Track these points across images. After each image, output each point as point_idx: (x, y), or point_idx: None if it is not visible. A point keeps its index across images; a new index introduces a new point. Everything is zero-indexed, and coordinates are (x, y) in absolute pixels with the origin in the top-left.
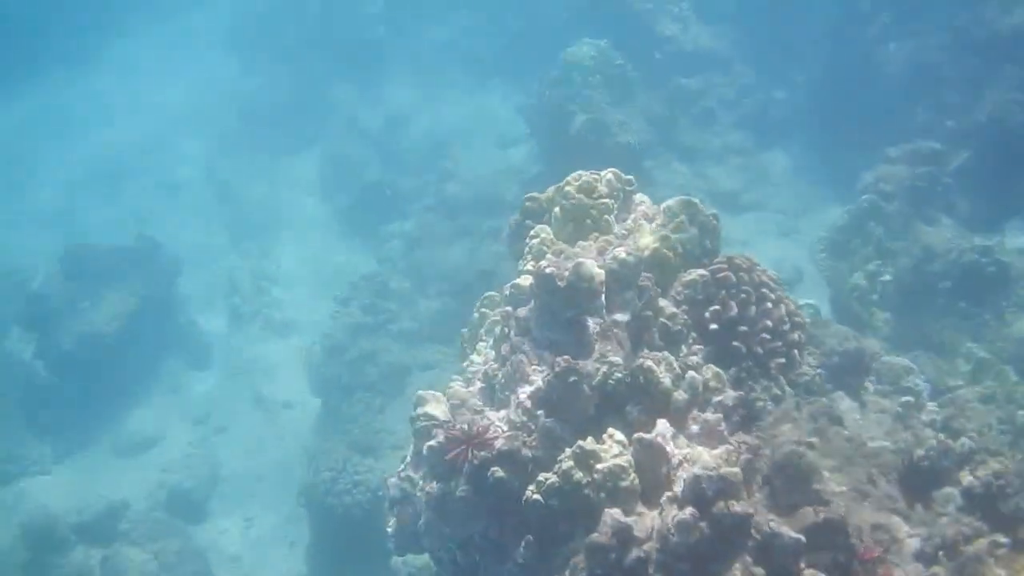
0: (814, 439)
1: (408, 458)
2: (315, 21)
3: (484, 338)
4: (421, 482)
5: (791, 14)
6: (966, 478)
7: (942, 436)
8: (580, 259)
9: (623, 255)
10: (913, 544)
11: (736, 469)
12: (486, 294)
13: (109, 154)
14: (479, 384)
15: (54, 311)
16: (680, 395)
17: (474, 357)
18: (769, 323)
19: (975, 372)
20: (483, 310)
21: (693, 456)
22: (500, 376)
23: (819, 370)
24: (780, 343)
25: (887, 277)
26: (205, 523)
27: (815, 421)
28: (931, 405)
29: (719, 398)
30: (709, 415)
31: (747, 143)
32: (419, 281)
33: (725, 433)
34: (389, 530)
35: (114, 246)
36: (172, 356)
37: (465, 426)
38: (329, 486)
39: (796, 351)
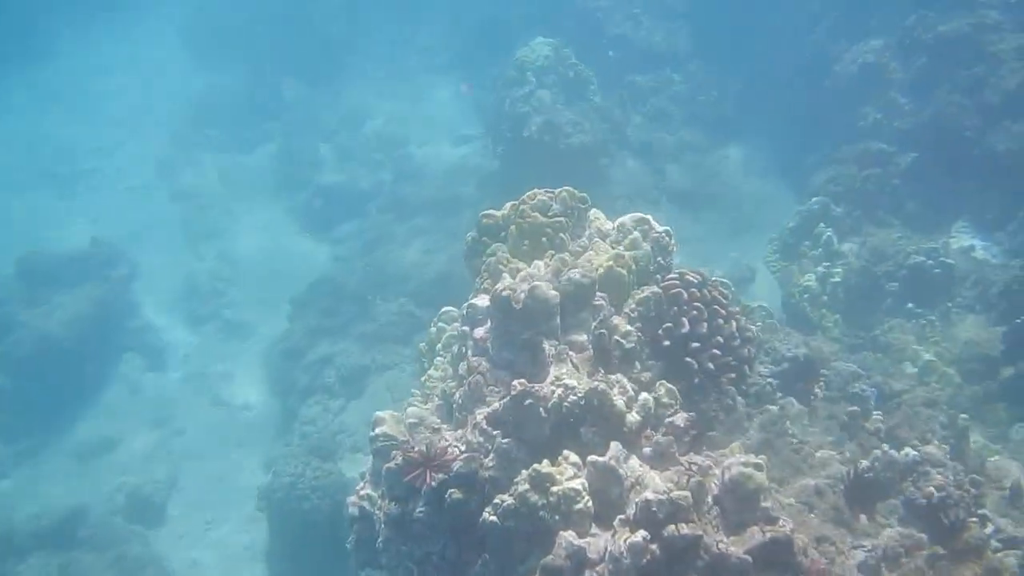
0: (761, 458)
1: (367, 476)
2: (271, 16)
3: (442, 353)
4: (380, 501)
5: (743, 12)
6: (909, 489)
7: (886, 447)
8: (535, 282)
9: (577, 276)
10: (857, 556)
11: (686, 492)
12: (443, 309)
13: (57, 151)
14: (437, 401)
15: (9, 316)
16: (633, 417)
17: (432, 372)
18: (720, 339)
19: (921, 375)
20: (440, 324)
21: (645, 479)
22: (458, 396)
23: (770, 379)
24: (731, 358)
25: (836, 279)
26: (164, 527)
27: (765, 431)
28: (877, 413)
29: (671, 419)
30: (661, 437)
31: (701, 140)
32: (376, 282)
33: (676, 455)
34: (349, 546)
35: (69, 251)
36: (129, 359)
37: (423, 447)
38: (288, 491)
39: (747, 365)
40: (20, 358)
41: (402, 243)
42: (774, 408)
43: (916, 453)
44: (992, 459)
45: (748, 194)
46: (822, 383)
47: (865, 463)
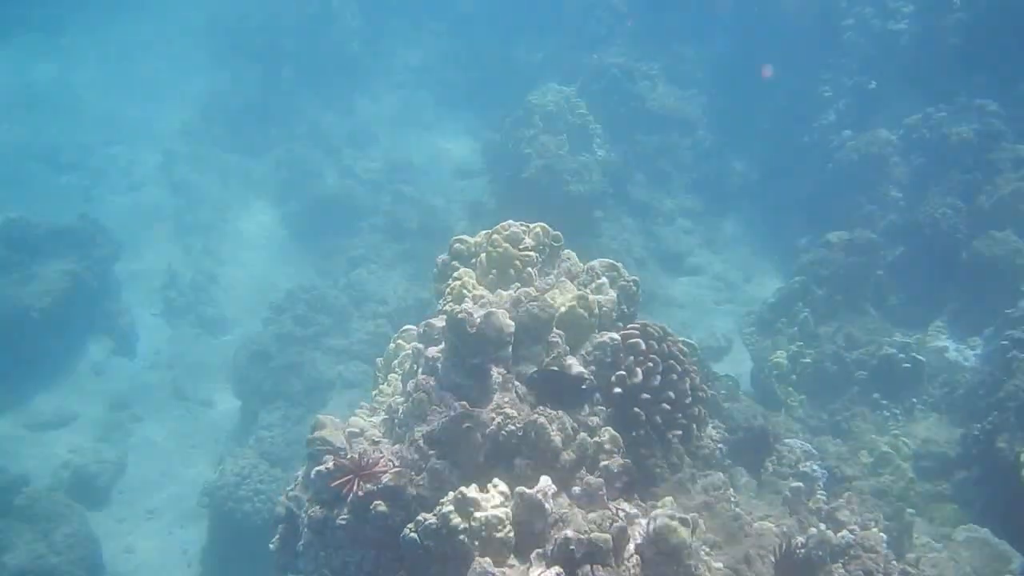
0: (692, 516)
1: (300, 478)
2: (292, 28)
3: (396, 369)
4: (307, 504)
5: (757, 88)
6: (838, 571)
7: (823, 526)
8: (492, 309)
9: (536, 310)
10: None
11: (606, 535)
12: (404, 327)
13: (66, 126)
14: (383, 415)
15: None
16: (568, 455)
17: (384, 387)
18: (672, 394)
19: (875, 464)
20: (399, 341)
21: (569, 517)
22: (402, 411)
23: (720, 445)
24: (680, 415)
25: (807, 360)
26: (105, 510)
27: (707, 494)
28: (821, 493)
29: (606, 462)
30: (591, 479)
31: (698, 207)
32: (356, 299)
33: (605, 499)
34: (272, 547)
35: (55, 224)
36: (100, 339)
37: (356, 456)
38: (231, 490)
39: (695, 425)
40: None
41: (387, 265)
42: (720, 474)
43: (852, 536)
44: (929, 555)
45: (736, 266)
46: (774, 457)
47: (799, 539)
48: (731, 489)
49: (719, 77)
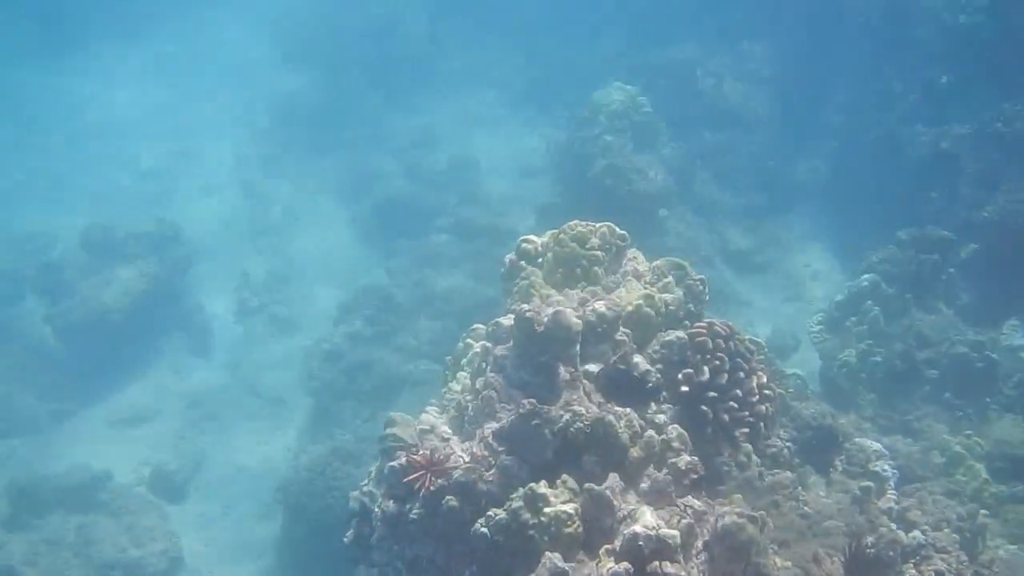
0: (759, 513)
1: (372, 474)
2: (360, 31)
3: (465, 368)
4: (380, 499)
5: (825, 84)
6: (909, 571)
7: (894, 526)
8: (559, 308)
9: (602, 309)
10: None
11: (675, 532)
12: (473, 325)
13: (142, 132)
14: (452, 413)
15: (67, 282)
16: (636, 452)
17: (453, 385)
18: (739, 392)
19: (947, 465)
20: (468, 340)
21: (637, 513)
22: (471, 409)
23: (788, 443)
24: (747, 413)
25: (877, 358)
26: (183, 505)
27: (774, 493)
28: (892, 493)
29: (674, 460)
30: (660, 475)
31: (765, 204)
32: (424, 298)
33: (673, 496)
34: (345, 540)
35: (134, 228)
36: (176, 339)
37: (428, 452)
38: (305, 486)
39: (762, 423)
40: (72, 323)
41: (454, 265)
42: (788, 473)
43: (923, 537)
44: (1003, 556)
45: (804, 263)
46: (843, 456)
47: (869, 539)
48: (799, 488)
49: (786, 73)
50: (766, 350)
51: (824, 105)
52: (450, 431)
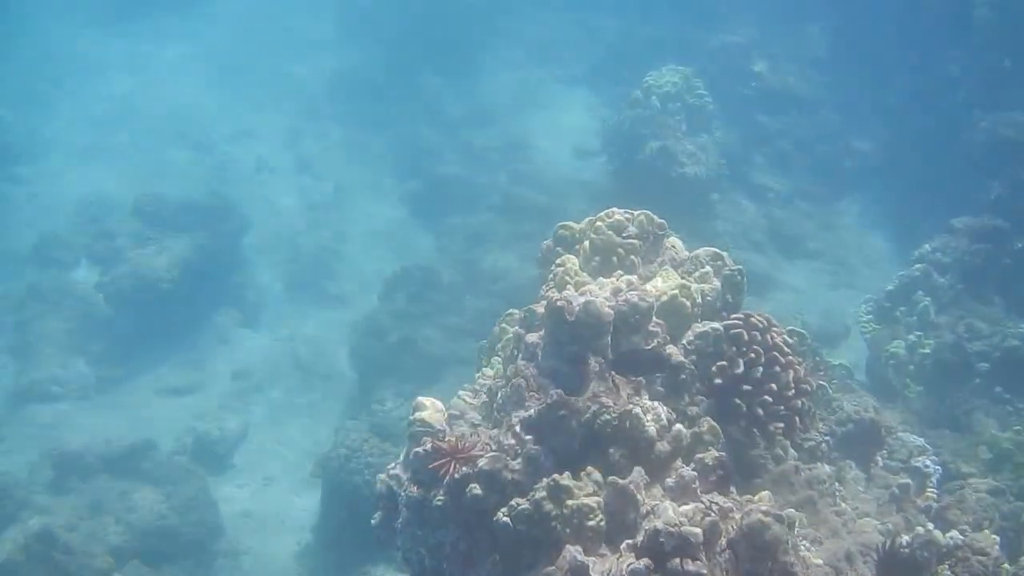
0: (787, 511)
1: (401, 457)
2: (417, 8)
3: (499, 353)
4: (406, 483)
5: (881, 67)
6: (943, 573)
7: (931, 526)
8: (591, 298)
9: (635, 298)
10: None
11: (697, 529)
12: (508, 310)
13: (196, 105)
14: (483, 398)
15: (120, 250)
16: (663, 446)
17: (486, 370)
18: (774, 386)
19: (994, 462)
20: (503, 325)
21: (660, 509)
22: (500, 396)
23: (827, 437)
24: (782, 407)
25: (926, 350)
26: (225, 475)
27: (810, 487)
28: (932, 491)
29: (701, 455)
30: (685, 471)
31: (818, 190)
32: (471, 277)
33: (698, 492)
34: (373, 522)
35: (187, 198)
36: (225, 310)
37: (454, 438)
38: (343, 462)
39: (798, 418)
40: (122, 291)
41: (503, 245)
42: (826, 467)
43: (961, 537)
44: None
45: (856, 251)
46: (885, 451)
47: (905, 538)
48: (837, 483)
49: (841, 56)
50: (809, 340)
51: (880, 89)
52: (480, 417)
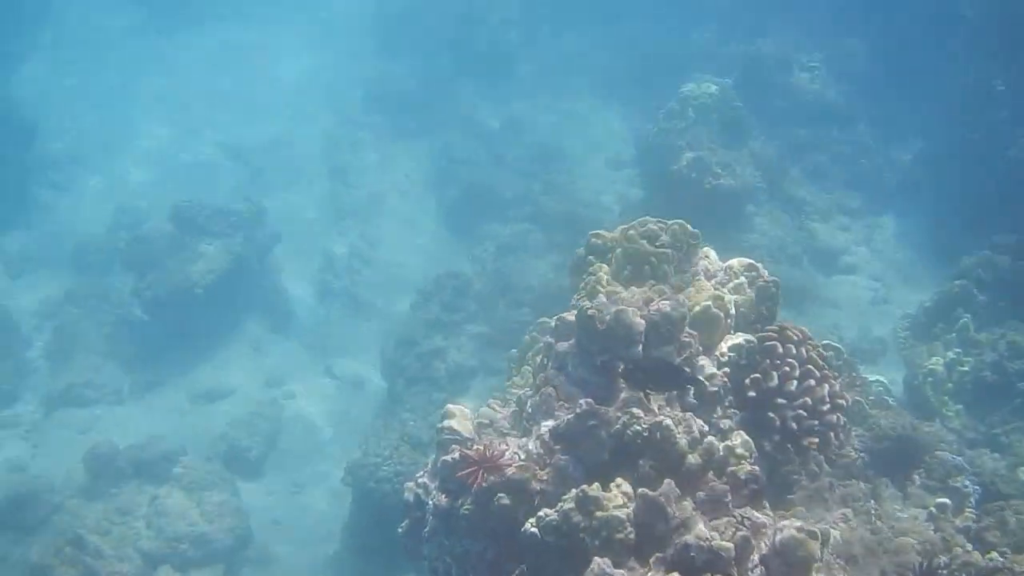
0: (822, 527)
1: (428, 466)
2: (453, 18)
3: (529, 362)
4: (433, 492)
5: (922, 81)
6: None
7: (969, 547)
8: (622, 307)
9: (668, 308)
10: None
11: (729, 544)
12: (540, 319)
13: (234, 111)
14: (512, 407)
15: (154, 256)
16: (694, 459)
17: (516, 379)
18: (808, 400)
19: None
20: (534, 334)
21: (691, 523)
22: (529, 405)
23: (863, 454)
24: (816, 422)
25: (965, 368)
26: (256, 482)
27: (845, 505)
28: (971, 511)
29: (734, 468)
30: (717, 484)
31: (856, 203)
32: (503, 287)
33: (730, 506)
34: (400, 531)
35: (221, 206)
36: (257, 317)
37: (482, 447)
38: (373, 470)
39: (833, 433)
40: (157, 297)
41: (536, 255)
42: (861, 484)
43: (1001, 560)
44: None
45: (894, 266)
46: (922, 470)
47: (943, 559)
48: (872, 501)
49: (881, 68)
50: (846, 355)
51: (920, 103)
52: (509, 426)
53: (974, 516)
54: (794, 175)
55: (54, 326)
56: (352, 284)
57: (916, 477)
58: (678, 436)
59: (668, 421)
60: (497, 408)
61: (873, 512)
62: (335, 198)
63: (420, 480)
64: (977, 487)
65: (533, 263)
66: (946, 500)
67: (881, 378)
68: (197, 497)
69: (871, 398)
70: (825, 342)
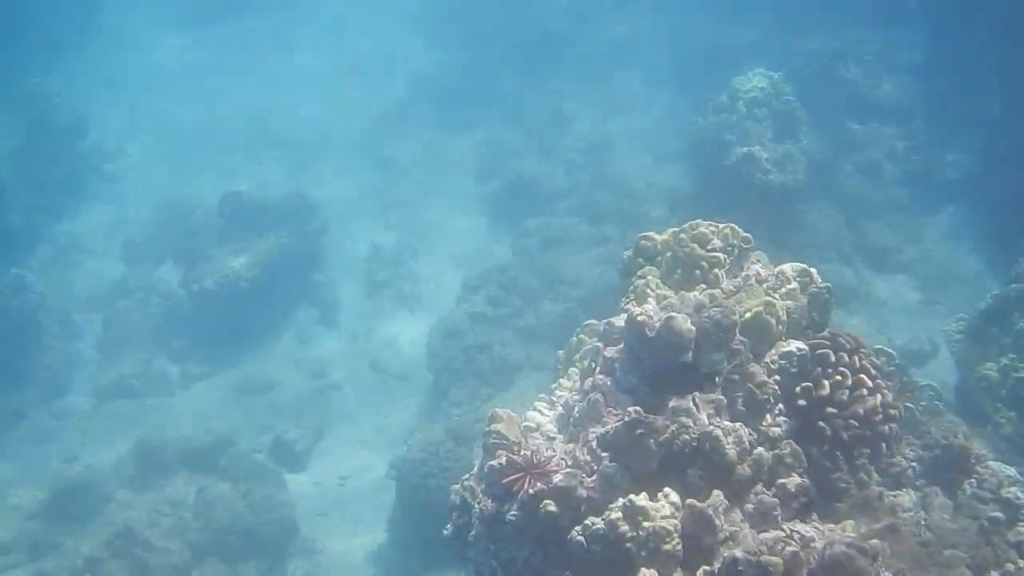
0: (872, 542)
1: (475, 469)
2: (500, 7)
3: (577, 364)
4: (480, 496)
5: (980, 77)
6: None
7: (1022, 563)
8: (672, 314)
9: (719, 315)
10: None
11: (777, 559)
12: (586, 321)
13: (283, 102)
14: (560, 410)
15: (202, 248)
16: (744, 470)
17: (563, 381)
18: (860, 410)
19: None
20: (581, 335)
21: (739, 536)
22: (577, 410)
23: (913, 463)
24: (868, 432)
25: (1020, 374)
26: (302, 474)
27: (894, 515)
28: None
29: (784, 480)
30: (766, 497)
31: (911, 201)
32: (549, 281)
33: (779, 519)
34: (446, 532)
35: (268, 199)
36: (304, 309)
37: (529, 453)
38: (418, 466)
39: (884, 443)
40: (204, 289)
41: (581, 248)
42: (913, 494)
43: None
44: None
45: (948, 265)
46: (973, 480)
47: (994, 574)
48: (922, 511)
49: (939, 64)
50: (897, 360)
51: (978, 100)
52: (556, 429)
53: None
54: (846, 170)
55: (104, 317)
56: (397, 276)
57: (967, 487)
58: (727, 447)
59: (718, 431)
60: (544, 411)
61: (923, 522)
62: (381, 190)
63: (467, 483)
64: None
65: (580, 257)
66: (999, 513)
67: (932, 382)
68: (244, 489)
69: (922, 403)
70: (877, 347)
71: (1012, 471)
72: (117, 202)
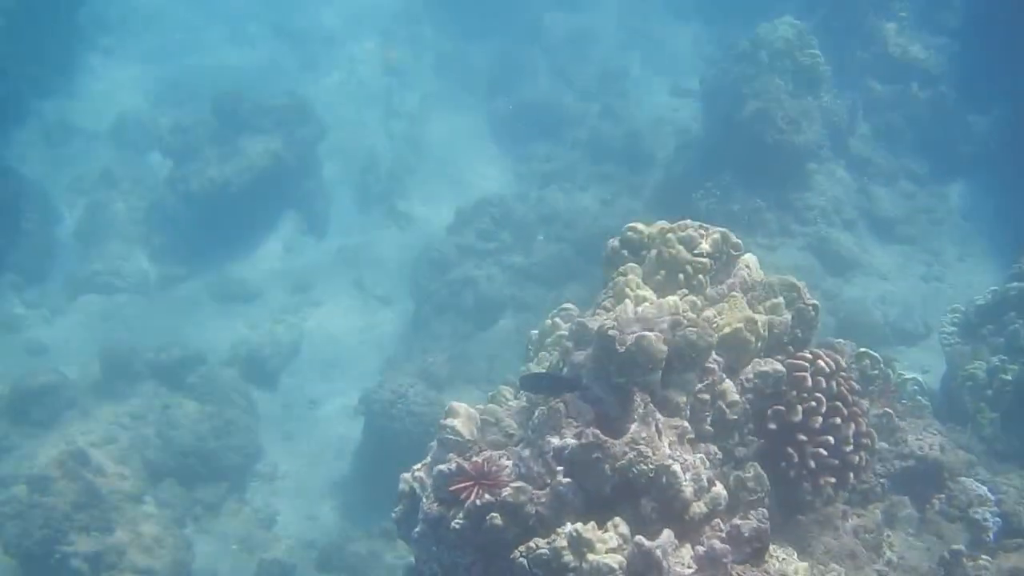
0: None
1: (428, 459)
2: None
3: (548, 350)
4: (428, 494)
5: (1017, 47)
6: None
7: None
8: (644, 333)
9: (694, 336)
10: None
11: None
12: (563, 304)
13: (291, 8)
14: (523, 403)
15: (192, 146)
16: (699, 508)
17: (532, 366)
18: (831, 440)
19: None
20: (556, 319)
21: None
22: (537, 413)
23: (882, 480)
24: (837, 461)
25: (1008, 376)
26: (272, 392)
27: (856, 537)
28: (984, 558)
29: (739, 523)
30: (717, 544)
31: (925, 170)
32: (544, 217)
33: (729, 567)
34: (394, 516)
35: (264, 101)
36: (294, 217)
37: (480, 460)
38: (386, 406)
39: (852, 473)
40: (191, 189)
41: (581, 185)
42: (877, 514)
43: None
44: None
45: (954, 241)
46: (944, 495)
47: None
48: (887, 530)
49: (977, 29)
50: (882, 364)
51: (1011, 69)
52: (516, 424)
53: (987, 563)
54: (862, 132)
55: (86, 203)
56: (391, 192)
57: (936, 502)
58: (684, 485)
59: (676, 467)
60: (508, 397)
61: (885, 542)
62: (386, 96)
63: (416, 474)
64: (997, 519)
65: (579, 195)
66: (961, 547)
67: (917, 375)
68: (208, 411)
69: (903, 401)
70: (862, 350)
71: (984, 490)
72: (112, 79)
